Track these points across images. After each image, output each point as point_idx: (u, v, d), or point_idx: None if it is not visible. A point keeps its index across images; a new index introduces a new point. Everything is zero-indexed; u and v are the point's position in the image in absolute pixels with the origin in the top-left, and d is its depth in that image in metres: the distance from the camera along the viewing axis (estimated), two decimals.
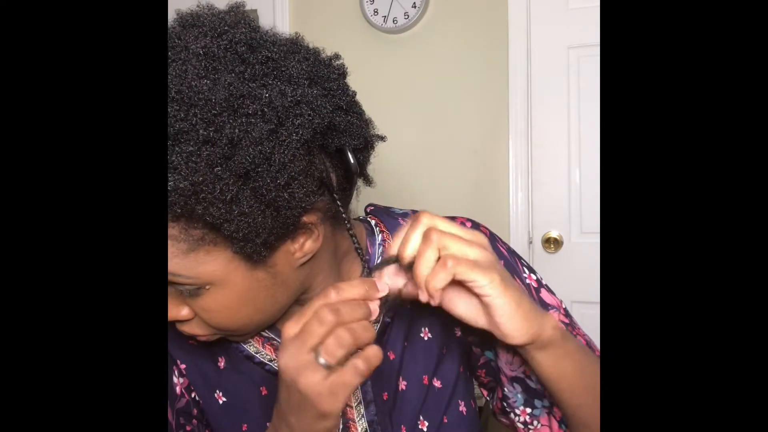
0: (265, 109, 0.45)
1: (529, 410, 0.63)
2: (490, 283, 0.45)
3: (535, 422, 0.62)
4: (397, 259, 0.48)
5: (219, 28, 0.48)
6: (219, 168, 0.44)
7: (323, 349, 0.43)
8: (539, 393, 0.62)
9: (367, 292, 0.46)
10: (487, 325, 0.49)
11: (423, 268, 0.45)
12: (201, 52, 0.46)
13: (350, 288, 0.45)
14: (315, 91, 0.49)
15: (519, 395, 0.62)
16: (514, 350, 0.57)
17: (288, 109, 0.46)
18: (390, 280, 0.49)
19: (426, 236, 0.45)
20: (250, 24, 0.50)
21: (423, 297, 0.46)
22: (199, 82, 0.44)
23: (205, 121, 0.43)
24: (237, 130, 0.44)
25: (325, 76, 0.52)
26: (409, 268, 0.47)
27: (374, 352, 0.44)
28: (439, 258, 0.45)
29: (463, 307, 0.49)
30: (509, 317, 0.47)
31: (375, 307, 0.47)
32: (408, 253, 0.46)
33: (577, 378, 0.52)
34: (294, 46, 0.52)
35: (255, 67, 0.47)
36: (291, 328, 0.44)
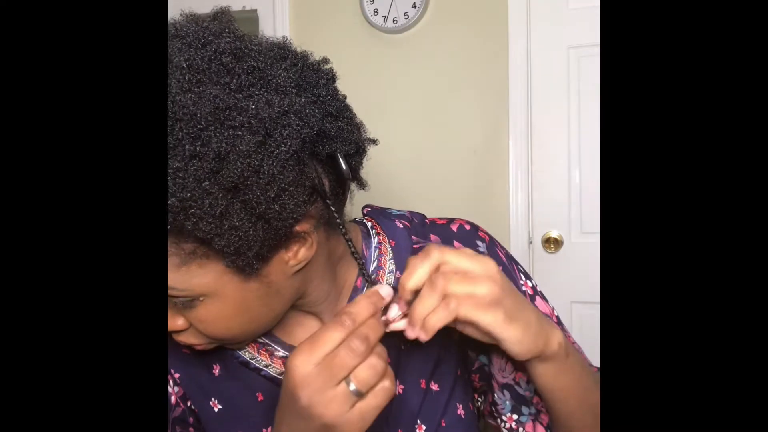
0: (252, 121, 0.44)
1: (515, 417, 0.63)
2: (493, 322, 0.46)
3: (520, 429, 0.63)
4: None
5: (203, 38, 0.47)
6: (207, 183, 0.43)
7: (355, 379, 0.43)
8: (527, 400, 0.62)
9: (376, 306, 0.46)
10: (494, 342, 0.49)
11: (420, 310, 0.45)
12: (185, 65, 0.45)
13: (361, 309, 0.46)
14: (303, 99, 0.48)
15: (507, 402, 0.63)
16: (508, 357, 0.58)
17: (275, 120, 0.46)
18: (397, 324, 0.49)
19: (432, 280, 0.46)
20: (235, 32, 0.49)
21: (411, 334, 0.46)
22: (184, 96, 0.43)
23: (192, 135, 0.43)
24: (224, 144, 0.43)
25: (313, 82, 0.51)
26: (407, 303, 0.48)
27: (391, 372, 0.46)
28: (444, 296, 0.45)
29: (469, 328, 0.50)
30: (515, 344, 0.47)
31: (395, 313, 0.47)
32: (409, 287, 0.46)
33: (572, 392, 0.53)
34: (281, 51, 0.51)
35: (241, 77, 0.46)
36: (306, 362, 0.43)
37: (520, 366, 0.58)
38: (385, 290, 0.48)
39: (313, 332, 0.45)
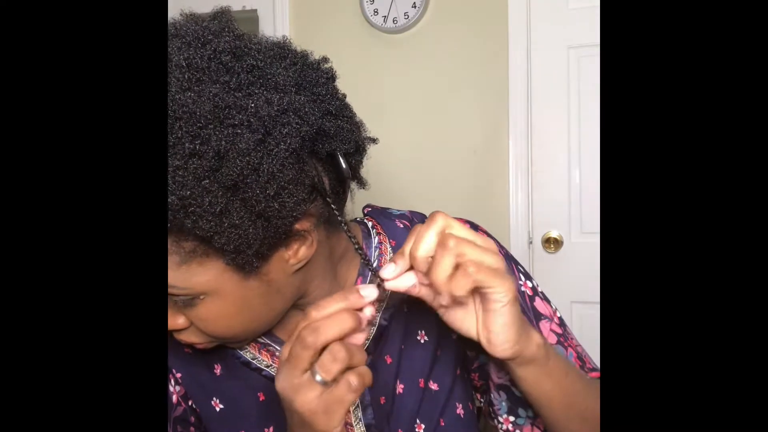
0: (252, 120, 0.44)
1: (512, 419, 0.63)
2: (507, 291, 0.45)
3: (518, 431, 0.63)
4: (380, 280, 0.47)
5: (202, 37, 0.47)
6: (207, 181, 0.43)
7: (319, 366, 0.43)
8: (524, 402, 0.62)
9: (350, 302, 0.46)
10: (476, 335, 0.49)
11: (441, 275, 0.44)
12: (184, 63, 0.45)
13: (330, 302, 0.45)
14: (302, 98, 0.48)
15: (503, 403, 0.63)
16: (492, 359, 0.58)
17: (275, 118, 0.46)
18: (398, 282, 0.48)
19: (442, 242, 0.44)
20: (234, 31, 0.49)
21: (444, 300, 0.45)
22: (184, 95, 0.43)
23: (191, 134, 0.43)
24: (224, 142, 0.43)
25: (313, 81, 0.51)
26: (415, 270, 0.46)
27: (367, 370, 0.45)
28: (457, 264, 0.44)
29: (453, 315, 0.49)
30: (506, 327, 0.47)
31: (368, 313, 0.46)
32: (420, 254, 0.45)
33: (555, 396, 0.53)
34: (281, 51, 0.51)
35: (240, 76, 0.46)
36: (284, 351, 0.45)
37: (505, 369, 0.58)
38: (366, 291, 0.46)
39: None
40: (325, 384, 0.43)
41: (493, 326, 0.47)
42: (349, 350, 0.43)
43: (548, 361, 0.51)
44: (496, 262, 0.45)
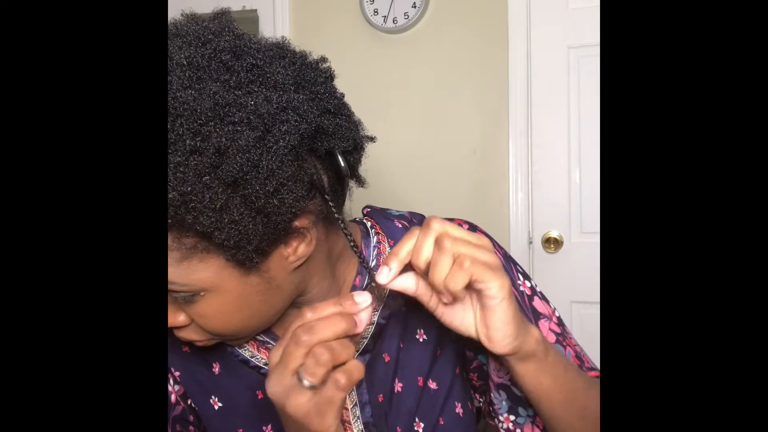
0: (251, 117, 0.45)
1: (512, 418, 0.63)
2: (501, 287, 0.46)
3: (518, 430, 0.63)
4: (376, 284, 0.48)
5: (203, 36, 0.48)
6: (207, 177, 0.44)
7: (304, 370, 0.43)
8: (523, 401, 0.62)
9: (345, 308, 0.46)
10: (475, 333, 0.49)
11: (440, 275, 0.45)
12: (185, 62, 0.46)
13: (326, 305, 0.46)
14: (301, 96, 0.49)
15: (504, 402, 0.63)
16: (492, 356, 0.58)
17: (274, 116, 0.46)
18: (398, 284, 0.48)
19: (439, 244, 0.45)
20: (234, 31, 0.50)
21: (446, 299, 0.47)
22: (184, 92, 0.44)
23: (192, 131, 0.43)
24: (224, 139, 0.44)
25: (311, 79, 0.52)
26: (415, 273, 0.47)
27: (355, 365, 0.44)
28: (454, 261, 0.45)
29: (451, 315, 0.50)
30: (505, 323, 0.47)
31: (363, 317, 0.47)
32: (422, 261, 0.46)
33: (554, 392, 0.53)
34: (280, 50, 0.52)
35: (240, 74, 0.47)
36: (274, 355, 0.45)
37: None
38: (361, 297, 0.47)
39: None
40: (313, 387, 0.43)
41: (492, 322, 0.47)
42: (333, 350, 0.43)
43: (547, 356, 0.52)
44: (491, 258, 0.46)
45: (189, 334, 0.55)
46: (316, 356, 0.43)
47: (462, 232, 0.46)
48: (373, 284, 0.49)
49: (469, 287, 0.46)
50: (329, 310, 0.45)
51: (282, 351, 0.44)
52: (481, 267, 0.45)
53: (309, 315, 0.45)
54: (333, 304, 0.46)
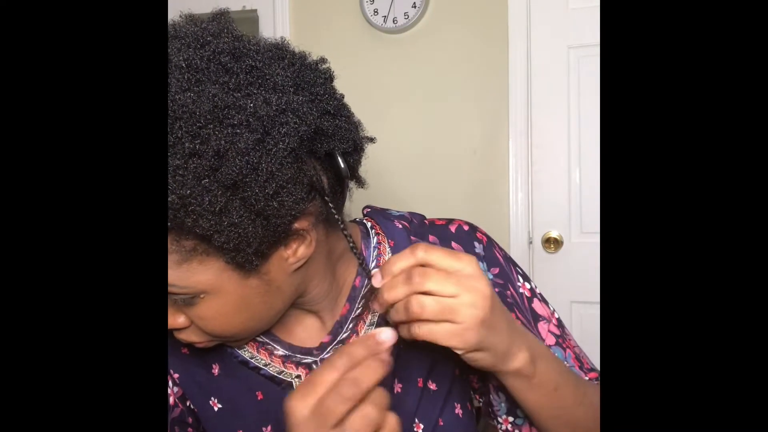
0: (251, 119, 0.45)
1: (511, 419, 0.63)
2: (462, 343, 0.47)
3: (516, 431, 0.63)
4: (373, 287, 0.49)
5: (201, 38, 0.48)
6: (206, 180, 0.44)
7: (349, 428, 0.41)
8: None
9: (372, 347, 0.44)
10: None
11: (386, 295, 0.47)
12: (184, 64, 0.45)
13: (356, 349, 0.44)
14: (301, 98, 0.49)
15: (503, 404, 0.63)
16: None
17: (273, 118, 0.46)
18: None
19: (409, 274, 0.46)
20: (233, 32, 0.50)
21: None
22: (183, 95, 0.44)
23: (191, 134, 0.43)
24: (223, 142, 0.44)
25: (311, 81, 0.52)
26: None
27: (394, 423, 0.44)
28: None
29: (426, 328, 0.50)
30: (475, 362, 0.50)
31: (386, 356, 0.45)
32: (387, 299, 0.48)
33: (542, 408, 0.54)
34: (279, 52, 0.51)
35: (239, 76, 0.47)
36: (302, 406, 0.42)
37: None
38: (385, 335, 0.45)
39: (312, 372, 0.46)
40: None
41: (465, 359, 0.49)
42: (381, 412, 0.42)
43: (533, 377, 0.52)
44: (464, 302, 0.46)
45: (189, 336, 0.55)
46: (365, 417, 0.42)
47: (444, 258, 0.47)
48: (372, 284, 0.49)
49: None
50: (361, 352, 0.44)
51: (317, 403, 0.42)
52: (437, 336, 0.46)
53: (340, 363, 0.43)
54: (363, 344, 0.44)
